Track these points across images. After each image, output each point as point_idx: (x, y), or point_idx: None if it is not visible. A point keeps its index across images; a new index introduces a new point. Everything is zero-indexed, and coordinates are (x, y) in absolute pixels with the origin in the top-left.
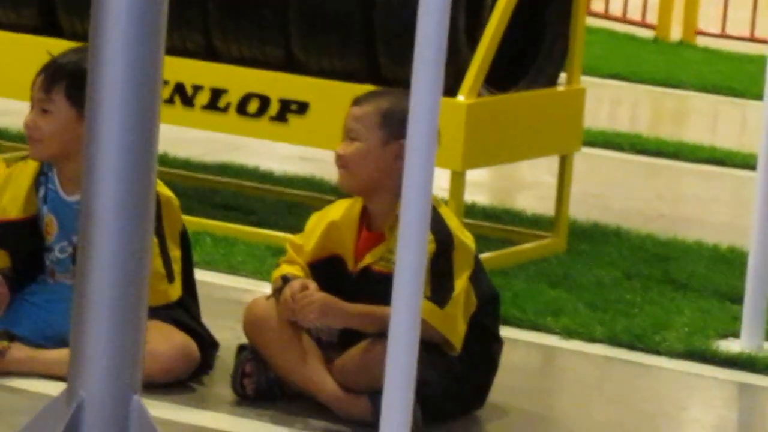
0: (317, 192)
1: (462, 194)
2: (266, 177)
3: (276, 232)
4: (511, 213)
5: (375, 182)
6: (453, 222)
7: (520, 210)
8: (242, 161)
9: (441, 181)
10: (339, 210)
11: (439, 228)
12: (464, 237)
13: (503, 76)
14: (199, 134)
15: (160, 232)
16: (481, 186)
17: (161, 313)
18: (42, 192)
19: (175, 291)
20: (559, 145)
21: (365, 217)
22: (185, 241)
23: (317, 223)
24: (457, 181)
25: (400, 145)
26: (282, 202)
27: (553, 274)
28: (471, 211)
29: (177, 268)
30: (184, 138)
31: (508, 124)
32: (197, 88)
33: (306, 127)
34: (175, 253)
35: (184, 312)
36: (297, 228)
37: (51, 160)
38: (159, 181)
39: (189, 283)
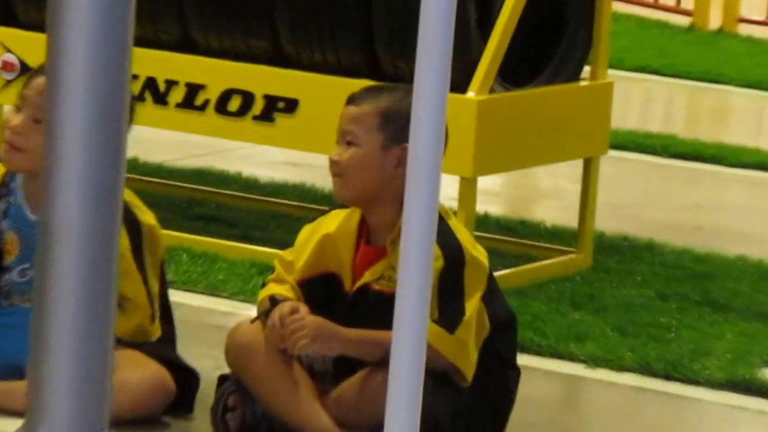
0: (309, 202)
1: (473, 204)
2: (251, 185)
3: (262, 247)
4: (529, 225)
5: (375, 191)
6: (463, 235)
7: (538, 221)
8: (223, 167)
9: (449, 190)
10: (334, 222)
11: (447, 242)
12: (476, 252)
13: (519, 70)
14: (174, 136)
15: (142, 265)
16: (495, 195)
17: (133, 344)
18: (3, 206)
19: (156, 330)
20: (582, 148)
21: (364, 230)
22: (162, 269)
23: (309, 236)
24: (468, 189)
25: (403, 149)
26: (269, 213)
27: (576, 294)
28: (483, 223)
29: (158, 306)
30: (156, 140)
31: (524, 124)
32: (171, 84)
33: (295, 128)
34: (155, 287)
35: (158, 344)
36: (286, 242)
37: (25, 172)
38: (141, 205)
39: (164, 306)
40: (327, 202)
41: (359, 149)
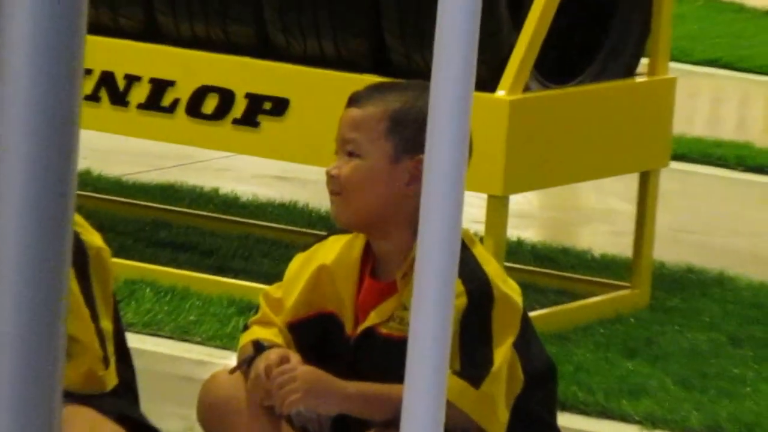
0: (301, 225)
1: (503, 228)
2: (230, 203)
3: (243, 280)
4: (572, 254)
5: (382, 213)
6: (491, 267)
7: (584, 250)
8: (196, 182)
9: (474, 211)
10: (332, 251)
11: (472, 275)
12: (507, 288)
13: (561, 64)
14: (136, 144)
15: (90, 297)
16: (530, 217)
17: (84, 398)
18: None
19: (111, 379)
20: (638, 160)
21: (369, 261)
22: (114, 304)
23: (302, 268)
24: (497, 210)
25: (417, 161)
26: (252, 239)
27: (630, 339)
28: (516, 252)
29: (111, 348)
30: (114, 149)
31: (567, 129)
32: (133, 80)
33: (285, 135)
34: (107, 325)
35: (115, 398)
36: (273, 275)
37: None
38: (84, 224)
39: (121, 354)
40: (323, 225)
41: (363, 161)
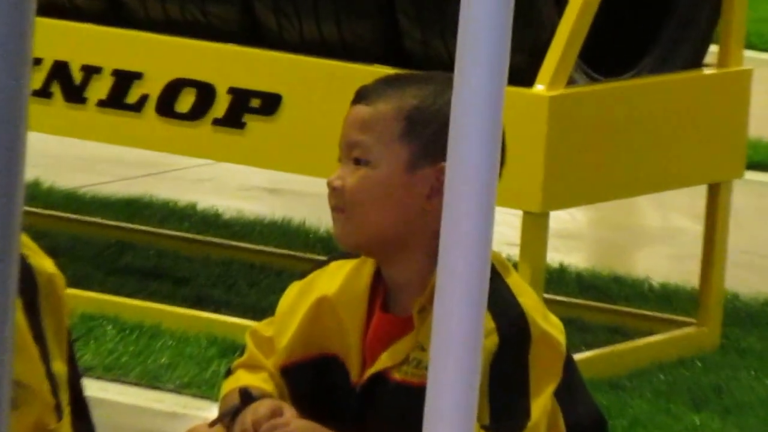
0: (296, 248)
1: (542, 252)
2: (209, 222)
3: (226, 316)
4: (626, 283)
5: (395, 233)
6: (528, 299)
7: (639, 278)
8: (168, 195)
9: (508, 231)
10: (335, 279)
11: (504, 309)
12: (547, 324)
13: (612, 53)
14: (95, 150)
15: (39, 333)
16: (576, 238)
17: None
18: None
19: (65, 431)
20: (706, 169)
21: (379, 292)
22: (69, 343)
23: (298, 300)
24: (535, 231)
25: (438, 170)
26: (236, 265)
27: (697, 387)
28: (559, 280)
29: (65, 396)
30: (69, 156)
31: (619, 132)
32: (92, 72)
33: (276, 138)
34: (61, 368)
35: None
36: (262, 309)
37: None
38: (33, 246)
39: (77, 404)
40: (324, 248)
41: (373, 170)
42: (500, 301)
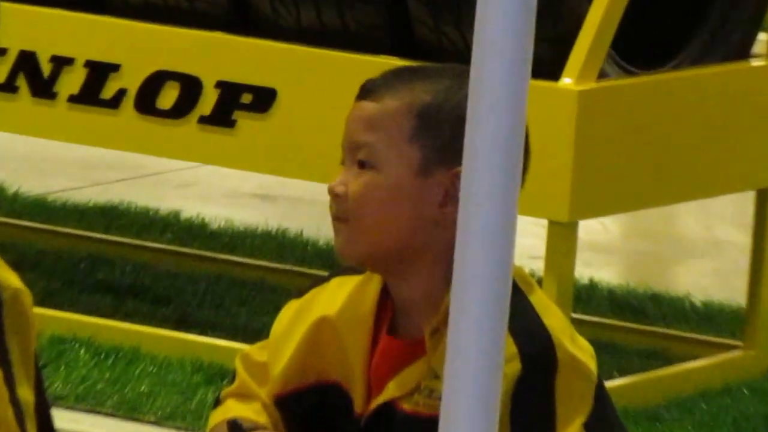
0: (292, 261)
1: (571, 266)
2: (195, 232)
3: (213, 338)
4: (664, 301)
5: (405, 246)
6: (554, 320)
7: (679, 296)
8: (148, 202)
9: (532, 243)
10: (336, 298)
11: (527, 331)
12: (576, 348)
13: (649, 43)
14: (67, 151)
15: (4, 358)
16: (608, 251)
17: None
18: None
19: None
20: (754, 173)
21: (386, 312)
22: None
23: (294, 321)
24: (562, 243)
25: (453, 175)
26: (224, 281)
27: (743, 418)
28: (589, 298)
29: (32, 427)
30: (36, 158)
31: (655, 131)
32: (62, 63)
33: (269, 138)
34: (27, 395)
35: None
36: (254, 331)
37: None
38: None
39: (42, 425)
40: (323, 262)
41: (380, 175)
42: (523, 322)
